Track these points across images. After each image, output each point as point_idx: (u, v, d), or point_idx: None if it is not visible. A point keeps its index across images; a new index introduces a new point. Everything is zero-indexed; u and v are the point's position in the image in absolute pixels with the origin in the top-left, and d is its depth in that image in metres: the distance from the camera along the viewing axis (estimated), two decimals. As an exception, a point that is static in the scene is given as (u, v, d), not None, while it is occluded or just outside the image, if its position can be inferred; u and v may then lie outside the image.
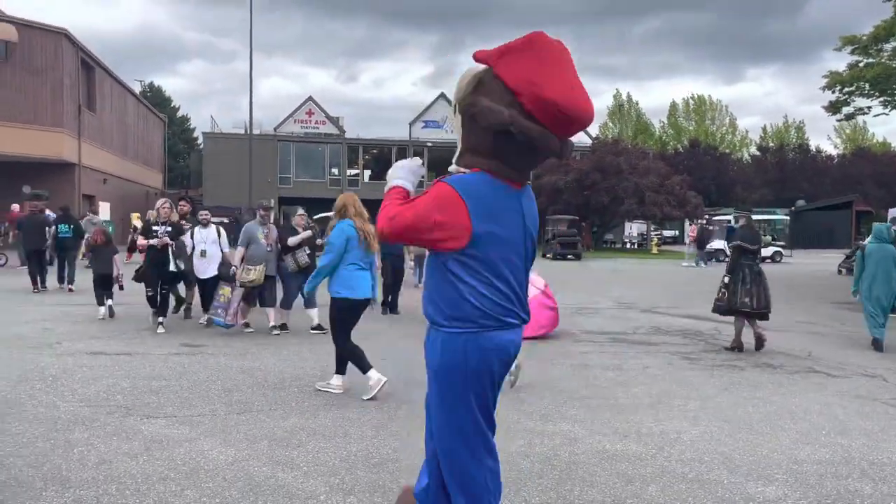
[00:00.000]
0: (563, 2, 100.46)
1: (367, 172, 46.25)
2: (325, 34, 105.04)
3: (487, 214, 2.47)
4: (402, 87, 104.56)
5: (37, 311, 10.33)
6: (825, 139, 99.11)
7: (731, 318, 8.43)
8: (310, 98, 43.46)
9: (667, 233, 52.01)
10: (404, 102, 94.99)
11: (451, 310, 2.52)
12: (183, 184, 51.39)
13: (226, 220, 24.06)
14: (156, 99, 54.32)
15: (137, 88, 45.90)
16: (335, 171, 43.84)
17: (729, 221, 33.02)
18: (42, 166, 27.17)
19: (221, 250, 9.01)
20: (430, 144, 42.98)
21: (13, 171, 26.32)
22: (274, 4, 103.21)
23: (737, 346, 8.19)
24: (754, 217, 36.95)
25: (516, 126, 2.40)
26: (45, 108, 26.77)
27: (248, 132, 35.44)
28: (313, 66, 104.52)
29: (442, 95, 43.72)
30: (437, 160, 44.48)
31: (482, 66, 2.55)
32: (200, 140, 52.57)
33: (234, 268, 8.55)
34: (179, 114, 61.15)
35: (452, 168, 2.61)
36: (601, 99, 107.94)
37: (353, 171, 44.70)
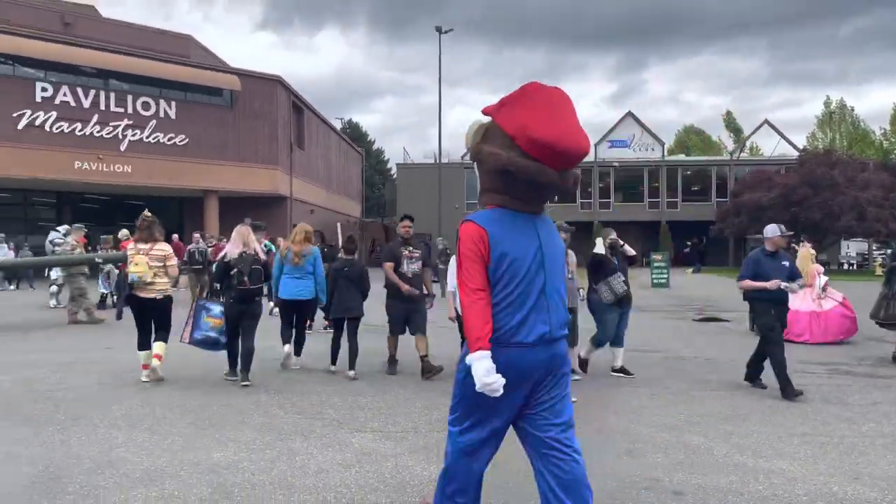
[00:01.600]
0: (756, 9, 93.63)
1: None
2: (505, 62, 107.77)
3: (502, 239, 2.79)
4: (584, 108, 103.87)
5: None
6: None
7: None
8: (495, 125, 44.51)
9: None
10: (587, 124, 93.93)
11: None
12: (379, 212, 54.80)
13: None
14: (354, 134, 58.72)
15: (338, 126, 49.95)
16: (520, 195, 44.40)
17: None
18: (260, 200, 30.40)
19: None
20: (616, 165, 42.16)
21: (237, 204, 29.70)
22: (458, 38, 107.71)
23: None
24: None
25: (513, 165, 2.72)
26: (263, 148, 30.02)
27: (438, 162, 37.05)
28: (496, 94, 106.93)
29: (629, 114, 42.78)
30: (624, 181, 43.48)
31: (487, 119, 2.87)
32: (393, 171, 55.83)
33: None
34: (374, 147, 65.54)
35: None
36: (805, 108, 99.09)
37: (538, 195, 44.92)
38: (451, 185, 40.61)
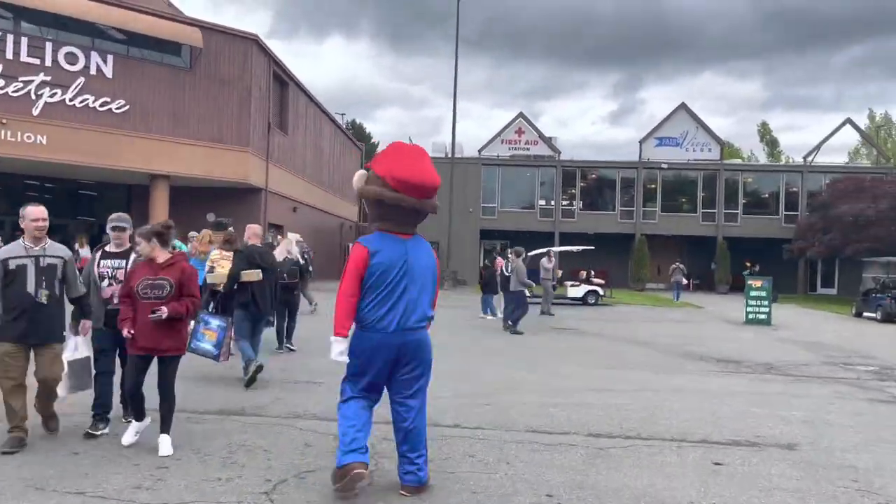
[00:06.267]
0: (753, 36, 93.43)
1: (581, 203, 39.01)
2: (507, 77, 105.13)
3: (378, 253, 4.09)
4: (584, 126, 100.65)
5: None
6: None
7: None
8: (520, 114, 37.48)
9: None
10: (586, 141, 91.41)
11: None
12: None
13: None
14: (356, 135, 52.10)
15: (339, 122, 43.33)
16: (542, 202, 37.29)
17: None
18: (224, 190, 23.73)
19: None
20: (665, 166, 35.27)
21: (195, 194, 23.06)
22: (462, 51, 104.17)
23: None
24: None
25: (384, 196, 4.10)
26: (230, 124, 23.28)
27: (451, 156, 30.32)
28: (497, 108, 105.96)
29: (682, 106, 35.90)
30: (673, 184, 36.42)
31: (367, 169, 4.33)
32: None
33: None
34: (377, 150, 58.93)
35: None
36: (805, 133, 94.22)
37: (567, 201, 37.79)
38: (465, 186, 33.82)
